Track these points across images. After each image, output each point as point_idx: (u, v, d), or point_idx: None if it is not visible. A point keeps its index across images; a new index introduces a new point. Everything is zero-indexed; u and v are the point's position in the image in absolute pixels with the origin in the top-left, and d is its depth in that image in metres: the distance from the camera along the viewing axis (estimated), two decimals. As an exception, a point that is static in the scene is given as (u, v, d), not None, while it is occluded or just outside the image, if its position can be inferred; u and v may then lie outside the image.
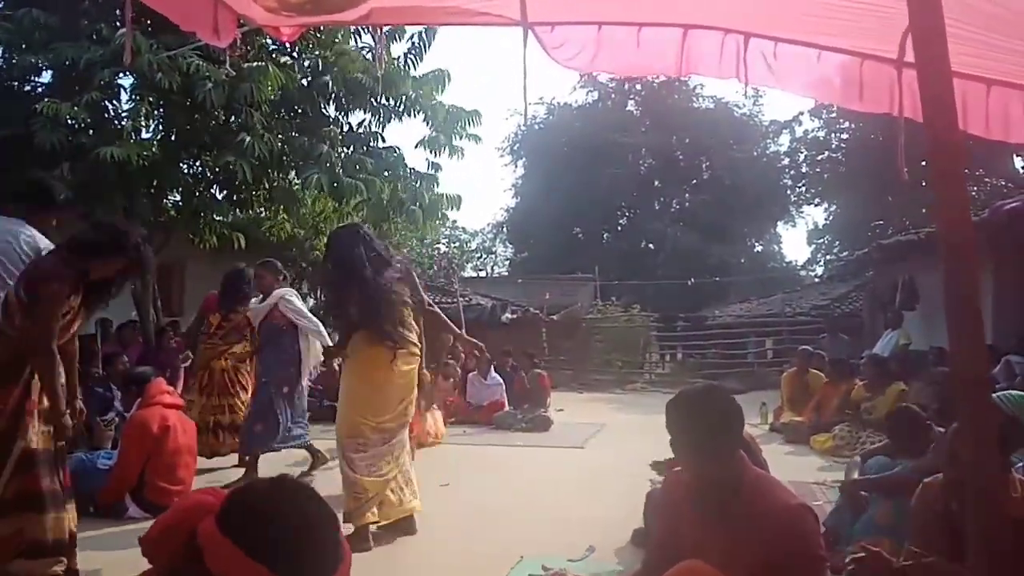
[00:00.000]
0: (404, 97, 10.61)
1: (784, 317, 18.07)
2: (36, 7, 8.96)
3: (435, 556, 4.28)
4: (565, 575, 3.58)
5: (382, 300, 4.47)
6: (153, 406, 5.08)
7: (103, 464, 5.02)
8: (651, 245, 31.06)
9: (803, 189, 30.58)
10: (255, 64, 9.16)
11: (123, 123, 9.36)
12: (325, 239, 12.99)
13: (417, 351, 4.70)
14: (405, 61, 10.44)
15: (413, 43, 10.40)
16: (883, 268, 13.80)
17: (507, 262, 37.26)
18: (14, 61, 9.41)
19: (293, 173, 10.73)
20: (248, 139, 9.08)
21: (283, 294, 6.22)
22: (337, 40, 10.09)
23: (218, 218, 10.79)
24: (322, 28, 9.52)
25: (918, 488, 2.75)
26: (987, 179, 21.34)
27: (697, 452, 2.23)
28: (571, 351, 17.33)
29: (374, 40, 8.80)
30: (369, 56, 9.91)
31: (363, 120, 11.13)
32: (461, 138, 11.19)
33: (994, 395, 3.48)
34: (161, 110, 9.64)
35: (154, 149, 9.30)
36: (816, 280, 27.66)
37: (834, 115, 25.34)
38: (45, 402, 3.38)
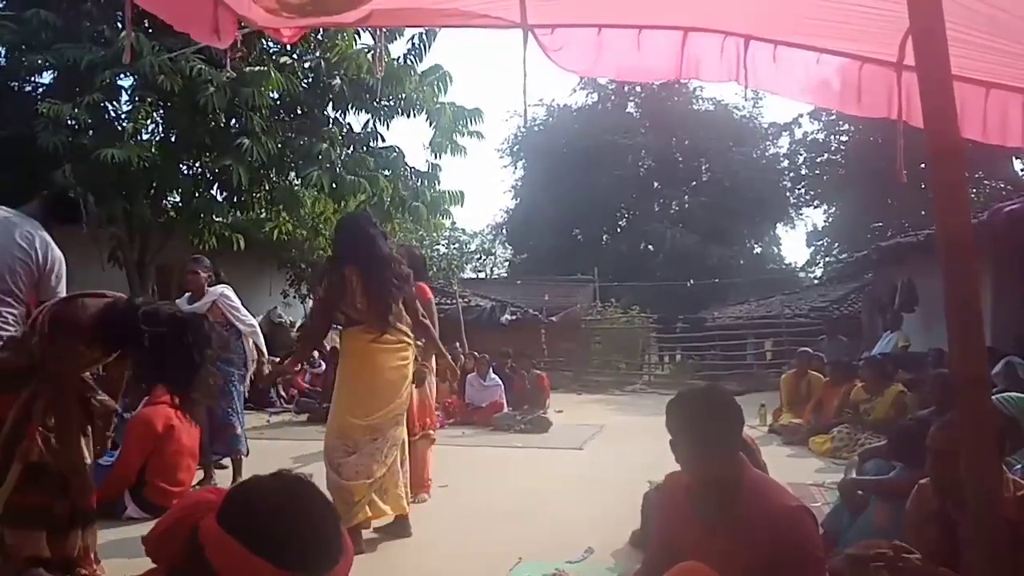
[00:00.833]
0: (405, 97, 10.64)
1: (783, 319, 18.08)
2: (39, 8, 8.99)
3: (433, 558, 4.27)
4: (564, 576, 3.58)
5: (385, 289, 4.43)
6: (159, 405, 5.03)
7: (104, 461, 5.01)
8: (650, 247, 31.06)
9: (802, 191, 30.62)
10: (256, 68, 9.19)
11: (124, 124, 9.40)
12: (325, 240, 13.12)
13: (410, 346, 4.62)
14: (405, 62, 10.47)
15: (413, 44, 10.44)
16: (882, 270, 13.80)
17: (506, 263, 37.28)
18: (16, 62, 9.44)
19: (293, 173, 10.76)
20: (247, 143, 9.09)
21: (221, 291, 5.87)
22: (338, 42, 10.10)
23: (218, 219, 10.82)
24: (323, 29, 9.54)
25: (913, 490, 2.76)
26: (987, 181, 21.37)
27: (697, 452, 2.24)
28: (570, 352, 17.33)
29: (374, 41, 8.82)
30: (370, 57, 9.92)
31: (365, 121, 11.17)
32: (463, 135, 11.22)
33: (994, 397, 3.49)
34: (162, 112, 9.67)
35: (154, 150, 9.33)
36: (815, 282, 27.68)
37: (834, 117, 25.37)
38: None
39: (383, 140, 11.48)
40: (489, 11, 2.71)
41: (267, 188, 10.85)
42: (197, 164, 10.56)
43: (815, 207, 30.60)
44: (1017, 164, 20.16)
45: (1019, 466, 3.42)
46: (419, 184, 11.41)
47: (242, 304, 6.02)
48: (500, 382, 10.62)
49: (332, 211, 12.45)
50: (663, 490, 2.60)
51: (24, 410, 3.16)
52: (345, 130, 11.12)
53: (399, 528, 4.52)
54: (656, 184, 32.76)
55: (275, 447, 7.97)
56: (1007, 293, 9.06)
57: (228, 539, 1.31)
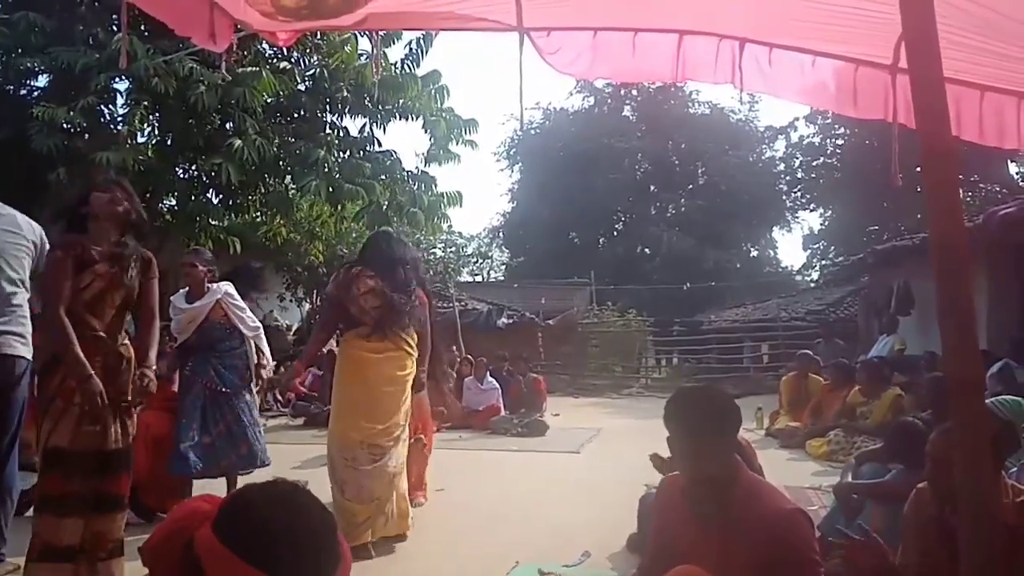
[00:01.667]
0: (403, 102, 10.65)
1: (780, 322, 18.08)
2: (33, 11, 8.98)
3: (430, 561, 4.27)
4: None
5: (400, 300, 4.43)
6: (158, 409, 4.98)
7: None
8: (647, 250, 31.08)
9: (798, 194, 30.68)
10: (248, 69, 9.19)
11: (119, 127, 9.39)
12: (321, 244, 13.11)
13: (410, 356, 4.60)
14: (403, 66, 10.47)
15: (411, 48, 10.45)
16: (878, 273, 13.83)
17: (503, 267, 37.26)
18: (11, 65, 9.44)
19: (289, 178, 10.75)
20: (238, 143, 9.08)
21: (225, 289, 5.41)
22: (341, 52, 10.11)
23: (214, 222, 10.80)
24: (320, 33, 9.55)
25: (911, 495, 2.75)
26: (982, 184, 21.42)
27: (693, 450, 2.24)
28: (567, 356, 17.33)
29: (371, 44, 8.84)
30: (367, 62, 9.94)
31: (362, 125, 11.17)
32: (458, 143, 11.23)
33: (988, 400, 3.49)
34: (157, 115, 9.65)
35: (150, 153, 9.31)
36: (811, 285, 27.67)
37: (829, 121, 25.46)
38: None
39: (379, 144, 11.49)
40: (485, 14, 2.72)
41: (263, 192, 10.84)
42: (192, 167, 10.56)
43: (811, 210, 30.70)
44: (1012, 167, 20.24)
45: (1014, 469, 3.42)
46: (416, 188, 11.41)
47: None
48: (497, 386, 10.62)
49: (328, 215, 12.45)
50: (660, 492, 2.60)
51: (48, 391, 3.22)
52: (341, 135, 11.12)
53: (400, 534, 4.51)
54: (652, 187, 32.80)
55: (271, 452, 7.93)
56: (1002, 296, 9.08)
57: (224, 551, 1.29)
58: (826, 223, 29.69)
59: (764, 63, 2.88)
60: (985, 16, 2.38)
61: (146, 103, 9.06)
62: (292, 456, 7.16)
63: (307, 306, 16.63)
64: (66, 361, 3.16)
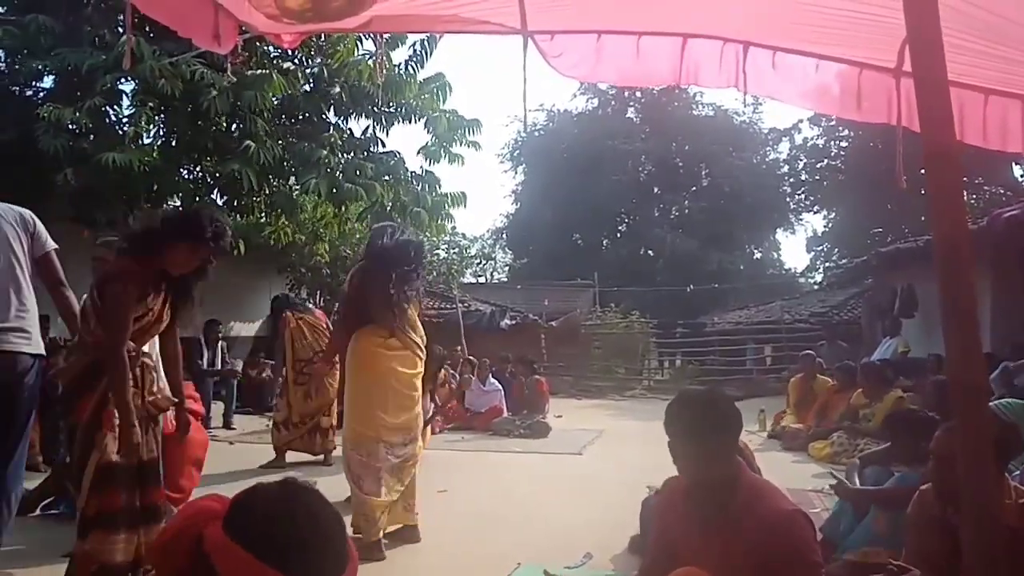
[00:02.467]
0: (405, 103, 10.66)
1: (783, 324, 18.08)
2: (40, 13, 9.00)
3: (432, 563, 4.27)
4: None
5: (401, 298, 4.44)
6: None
7: None
8: (650, 252, 31.07)
9: (802, 196, 30.67)
10: (259, 71, 9.20)
11: (125, 128, 9.40)
12: (325, 245, 13.12)
13: (421, 355, 4.63)
14: (406, 68, 10.48)
15: (415, 50, 10.46)
16: (882, 276, 13.81)
17: (507, 268, 37.27)
18: (17, 66, 9.46)
19: (293, 179, 10.76)
20: (253, 146, 9.10)
21: None
22: (339, 49, 10.13)
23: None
24: (325, 35, 9.56)
25: (914, 496, 2.76)
26: (986, 187, 21.40)
27: (695, 452, 2.24)
28: (570, 357, 17.32)
29: (375, 47, 8.85)
30: (371, 63, 9.94)
31: (366, 127, 11.18)
32: (461, 145, 11.23)
33: (992, 403, 3.49)
34: (162, 116, 9.67)
35: (155, 155, 9.33)
36: (815, 287, 27.66)
37: (833, 123, 25.45)
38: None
39: (383, 145, 11.49)
40: (489, 17, 2.73)
41: (267, 193, 10.86)
42: (198, 168, 10.57)
43: (815, 212, 30.71)
44: (1017, 170, 20.23)
45: (1018, 472, 3.42)
46: (420, 189, 11.42)
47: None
48: (500, 387, 10.62)
49: (332, 216, 12.46)
50: (662, 494, 2.61)
51: (98, 404, 3.19)
52: (345, 135, 11.13)
53: (409, 534, 4.51)
54: (656, 189, 32.79)
55: (272, 452, 7.95)
56: (1006, 299, 9.07)
57: (235, 547, 1.30)
58: (830, 225, 29.68)
59: (767, 67, 2.88)
60: (988, 20, 2.39)
61: (152, 104, 9.07)
62: (296, 455, 7.16)
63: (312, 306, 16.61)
64: (117, 404, 3.14)
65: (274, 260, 14.11)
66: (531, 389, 10.91)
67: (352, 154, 11.04)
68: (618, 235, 33.49)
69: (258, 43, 8.76)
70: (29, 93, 10.08)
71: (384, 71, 9.53)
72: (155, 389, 3.44)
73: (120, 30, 9.32)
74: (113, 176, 8.64)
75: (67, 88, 9.38)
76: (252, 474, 6.39)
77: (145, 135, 9.57)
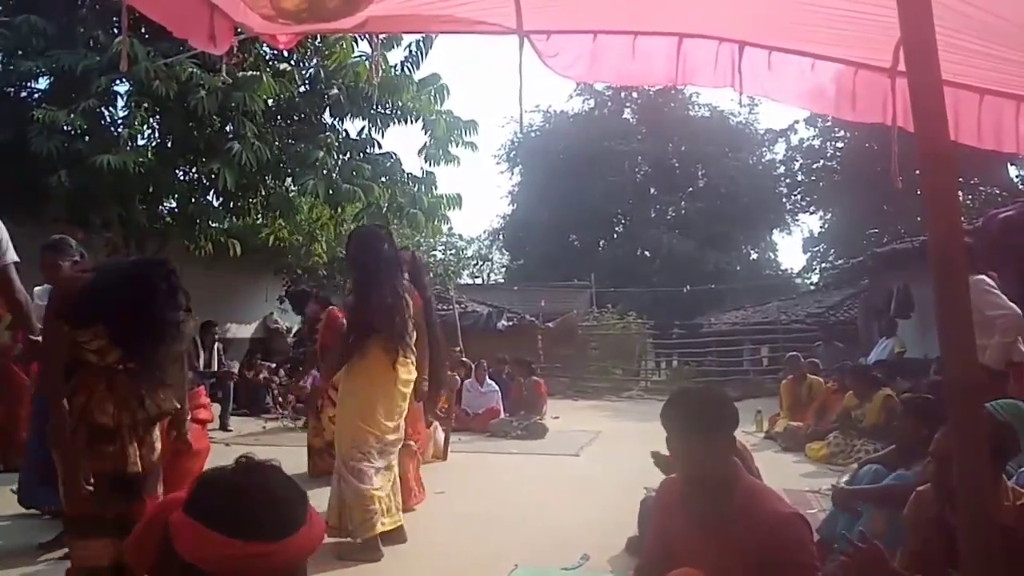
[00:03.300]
0: (402, 105, 10.66)
1: (779, 325, 18.10)
2: (34, 14, 8.98)
3: (429, 564, 4.27)
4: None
5: (396, 305, 4.45)
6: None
7: None
8: (647, 253, 31.09)
9: (798, 197, 30.69)
10: (249, 73, 9.19)
11: (119, 130, 9.39)
12: (321, 246, 13.11)
13: (413, 365, 4.64)
14: (402, 69, 10.48)
15: (411, 51, 10.46)
16: (878, 276, 13.83)
17: (503, 269, 37.27)
18: (11, 67, 9.44)
19: (289, 180, 10.76)
20: (237, 147, 9.09)
21: None
22: (336, 50, 10.12)
23: (214, 225, 10.80)
24: (321, 36, 9.55)
25: (911, 496, 2.75)
26: (982, 187, 21.43)
27: (690, 449, 2.25)
28: (567, 358, 17.33)
29: (371, 48, 8.85)
30: (367, 64, 9.94)
31: (362, 128, 11.18)
32: (458, 146, 11.23)
33: (989, 403, 3.48)
34: (157, 117, 9.66)
35: (150, 156, 9.31)
36: (811, 288, 27.69)
37: (829, 124, 25.46)
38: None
39: (379, 147, 11.49)
40: (485, 17, 2.73)
41: (263, 194, 10.85)
42: (193, 169, 10.56)
43: (811, 213, 30.72)
44: (1012, 170, 20.25)
45: (1021, 471, 3.42)
46: (416, 190, 11.42)
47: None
48: (497, 388, 10.62)
49: (328, 217, 12.45)
50: (659, 495, 2.61)
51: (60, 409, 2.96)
52: (342, 137, 11.12)
53: (396, 534, 4.51)
54: (653, 190, 32.81)
55: (270, 453, 7.94)
56: (1003, 299, 9.05)
57: (190, 522, 1.33)
58: (826, 226, 29.71)
59: (763, 67, 2.88)
60: (984, 20, 2.39)
61: (147, 106, 9.07)
62: (291, 458, 7.15)
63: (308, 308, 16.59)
64: (56, 456, 2.93)
65: (270, 261, 14.09)
66: (529, 390, 10.90)
67: (349, 155, 11.04)
68: (615, 236, 33.51)
69: (254, 44, 8.75)
70: (23, 95, 10.06)
71: (380, 72, 9.54)
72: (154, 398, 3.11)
73: (114, 31, 9.31)
74: (108, 178, 8.63)
75: (61, 89, 9.37)
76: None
77: (140, 137, 9.56)
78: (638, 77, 3.15)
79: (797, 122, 29.16)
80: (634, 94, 32.20)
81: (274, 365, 12.81)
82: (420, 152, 11.22)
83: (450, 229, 21.85)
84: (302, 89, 10.68)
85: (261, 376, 11.86)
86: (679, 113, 32.43)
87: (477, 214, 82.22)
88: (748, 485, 2.30)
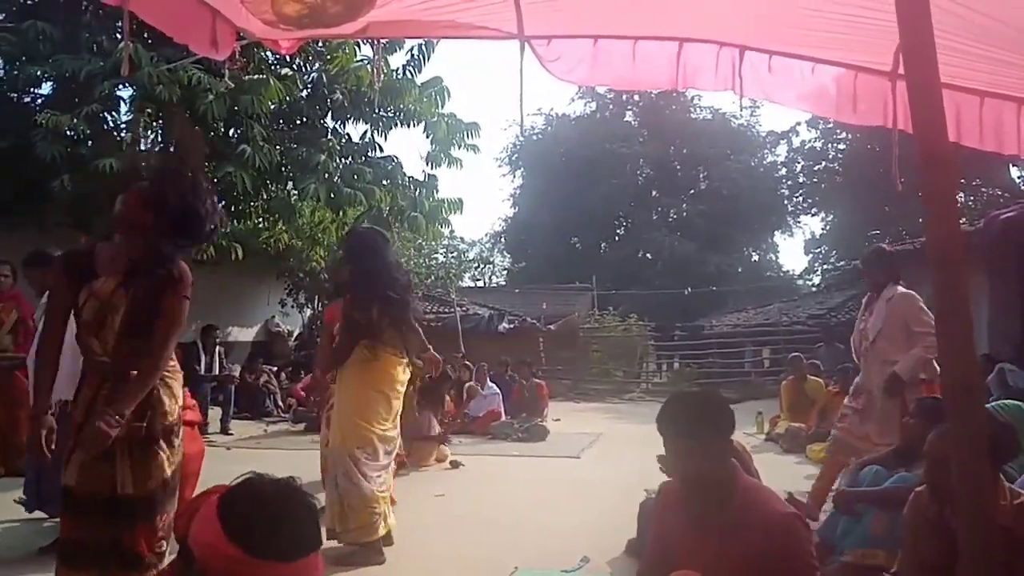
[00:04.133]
0: (404, 108, 10.68)
1: (781, 326, 18.09)
2: (38, 19, 9.01)
3: (429, 566, 4.27)
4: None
5: (401, 305, 4.45)
6: None
7: None
8: (648, 255, 31.10)
9: (800, 199, 30.70)
10: (255, 76, 9.22)
11: (123, 134, 9.41)
12: (323, 250, 13.13)
13: (407, 362, 4.64)
14: (404, 72, 10.51)
15: (412, 55, 10.49)
16: (880, 278, 13.79)
17: (505, 272, 37.26)
18: (16, 72, 9.46)
19: (291, 184, 10.78)
20: (248, 150, 9.11)
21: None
22: (338, 55, 10.14)
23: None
24: (323, 41, 9.58)
25: (910, 497, 2.76)
26: (984, 188, 21.43)
27: (687, 451, 2.25)
28: (568, 361, 17.34)
29: (373, 52, 8.87)
30: (369, 68, 9.97)
31: (364, 132, 11.21)
32: (460, 148, 11.25)
33: (989, 404, 3.49)
34: (160, 122, 9.68)
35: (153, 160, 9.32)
36: (813, 289, 27.67)
37: (831, 126, 25.46)
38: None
39: (381, 150, 11.50)
40: (486, 23, 2.74)
41: (265, 198, 10.87)
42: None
43: (813, 215, 30.75)
44: (1014, 171, 20.25)
45: (1021, 479, 3.42)
46: (417, 194, 11.44)
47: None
48: (498, 391, 10.62)
49: (330, 221, 12.47)
50: (658, 498, 2.61)
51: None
52: (343, 140, 11.15)
53: (387, 537, 4.51)
54: (654, 192, 32.83)
55: (272, 457, 7.96)
56: (1004, 300, 9.07)
57: (215, 520, 1.36)
58: (828, 227, 29.72)
59: (764, 70, 2.89)
60: (984, 23, 2.40)
61: (150, 110, 9.09)
62: (292, 461, 7.16)
63: (308, 312, 16.64)
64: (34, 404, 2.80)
65: (272, 265, 14.11)
66: (531, 392, 10.91)
67: (350, 159, 11.07)
68: (616, 238, 33.53)
69: (257, 49, 8.77)
70: (27, 99, 10.09)
71: (382, 76, 9.56)
72: (148, 413, 2.80)
73: (118, 36, 9.33)
74: (111, 182, 8.65)
75: (65, 94, 9.40)
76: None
77: (143, 141, 9.58)
78: (639, 81, 3.16)
79: (799, 124, 29.22)
80: (635, 97, 32.23)
81: (275, 368, 12.82)
82: (424, 156, 11.25)
83: (451, 232, 21.88)
84: (304, 93, 10.70)
85: (262, 380, 11.88)
86: (680, 116, 32.46)
87: (479, 217, 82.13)
88: (747, 486, 2.31)
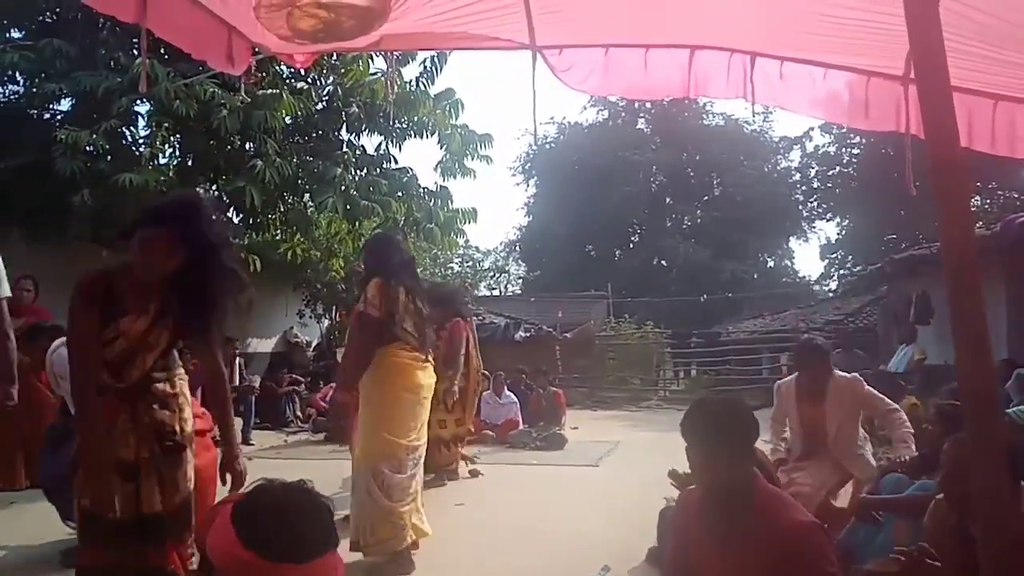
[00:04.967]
0: (418, 120, 10.75)
1: (798, 333, 17.96)
2: (57, 37, 9.15)
3: (451, 575, 4.27)
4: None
5: (421, 308, 4.46)
6: None
7: None
8: (663, 262, 31.04)
9: (815, 204, 30.56)
10: (269, 91, 9.31)
11: (141, 149, 9.53)
12: (340, 261, 13.21)
13: (431, 366, 4.63)
14: (418, 84, 10.58)
15: (425, 67, 10.56)
16: (897, 283, 13.72)
17: (520, 280, 37.33)
18: (35, 90, 9.60)
19: (308, 196, 10.86)
20: (260, 164, 9.20)
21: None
22: (353, 68, 10.23)
23: (234, 241, 10.93)
24: (337, 55, 9.66)
25: (930, 505, 2.74)
26: (1000, 191, 21.25)
27: (710, 460, 2.24)
28: (585, 369, 17.30)
29: (386, 65, 8.93)
30: (383, 80, 10.04)
31: (379, 144, 11.29)
32: (473, 159, 11.30)
33: (1008, 410, 3.46)
34: (178, 136, 9.79)
35: (171, 174, 9.43)
36: (830, 295, 27.50)
37: (845, 130, 25.33)
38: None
39: (396, 162, 11.58)
40: (499, 33, 2.76)
41: (282, 210, 10.96)
42: (213, 187, 10.70)
43: (828, 220, 30.56)
44: (1031, 174, 20.05)
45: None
46: (432, 204, 11.49)
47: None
48: (515, 399, 10.61)
49: (346, 232, 12.55)
50: (678, 506, 2.61)
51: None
52: (359, 153, 11.23)
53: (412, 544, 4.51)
54: (668, 199, 32.80)
55: (292, 467, 7.99)
56: (1022, 304, 8.98)
57: (229, 525, 1.39)
58: (843, 232, 29.54)
59: (775, 77, 2.90)
60: (996, 26, 2.39)
61: (167, 125, 9.20)
62: (312, 471, 7.17)
63: (326, 322, 16.71)
64: (80, 452, 2.68)
65: (289, 276, 14.20)
66: (548, 400, 10.90)
67: (365, 171, 11.15)
68: (631, 246, 33.50)
69: (272, 63, 8.86)
70: (47, 116, 10.23)
71: (396, 88, 9.62)
72: (171, 427, 2.78)
73: (134, 52, 9.46)
74: (129, 196, 8.75)
75: (84, 110, 9.52)
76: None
77: (161, 155, 9.70)
78: (651, 90, 3.17)
79: (812, 129, 29.14)
80: (648, 104, 32.22)
81: (295, 378, 12.88)
82: (437, 167, 11.31)
83: (466, 242, 21.96)
84: (319, 107, 10.80)
85: (282, 390, 11.94)
86: (693, 122, 32.42)
87: (493, 226, 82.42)
88: (767, 496, 2.29)
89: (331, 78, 10.81)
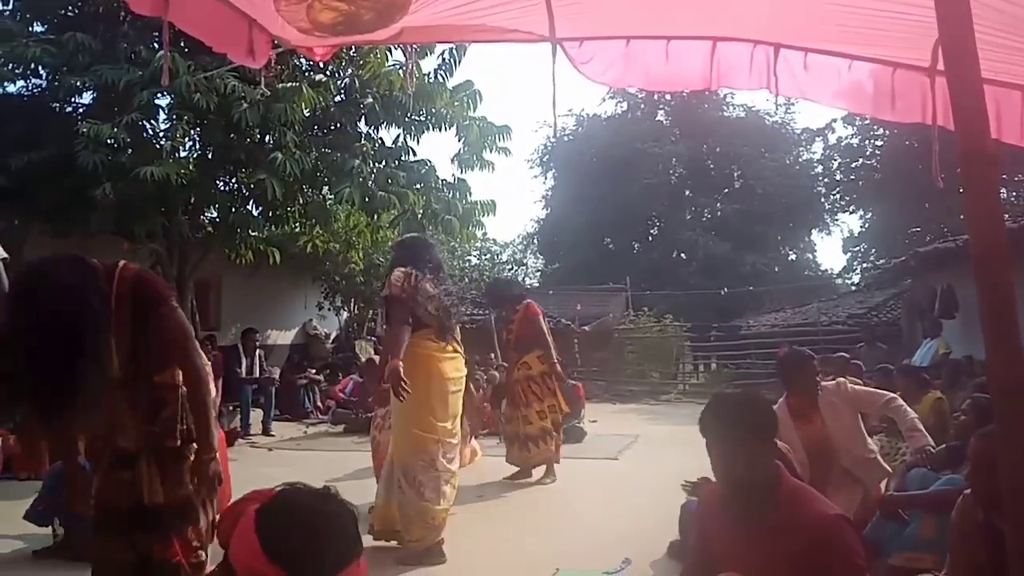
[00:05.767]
0: (435, 112, 10.74)
1: (820, 326, 17.81)
2: (78, 31, 9.21)
3: (470, 569, 4.28)
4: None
5: (451, 301, 4.50)
6: None
7: None
8: (683, 255, 30.86)
9: (837, 197, 30.23)
10: (289, 84, 9.34)
11: (162, 142, 9.60)
12: (358, 253, 13.26)
13: (463, 359, 4.65)
14: (436, 76, 10.56)
15: (444, 59, 10.54)
16: (921, 276, 13.58)
17: (538, 273, 37.24)
18: (57, 83, 9.69)
19: (326, 188, 10.90)
20: (280, 157, 9.24)
21: None
22: (370, 60, 10.23)
23: (254, 233, 11.01)
24: (355, 47, 9.67)
25: (958, 500, 2.71)
26: (1027, 184, 20.95)
27: (731, 455, 2.23)
28: (604, 362, 17.27)
29: (405, 57, 8.92)
30: (401, 73, 10.04)
31: (396, 136, 11.29)
32: (492, 151, 11.28)
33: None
34: (198, 129, 9.85)
35: (192, 167, 9.49)
36: (853, 288, 27.23)
37: (868, 122, 25.07)
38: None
39: (414, 154, 11.58)
40: (518, 26, 2.74)
41: (301, 203, 11.01)
42: (233, 180, 10.76)
43: (851, 213, 30.22)
44: (1059, 165, 19.74)
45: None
46: (451, 196, 11.49)
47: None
48: (534, 392, 10.59)
49: (365, 224, 12.60)
50: (700, 500, 2.60)
51: None
52: (377, 145, 11.24)
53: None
54: (688, 192, 32.57)
55: (312, 458, 8.05)
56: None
57: (252, 533, 1.39)
58: (866, 225, 29.23)
59: (799, 68, 2.86)
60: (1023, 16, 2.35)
61: (187, 118, 9.25)
62: (332, 463, 7.23)
63: (345, 314, 16.82)
64: None
65: (309, 269, 14.31)
66: (568, 394, 10.87)
67: (384, 163, 11.15)
68: (650, 238, 33.32)
69: (291, 56, 8.89)
70: (68, 110, 10.32)
71: (415, 80, 9.62)
72: (167, 418, 2.73)
73: (155, 46, 9.51)
74: (151, 189, 8.82)
75: (105, 104, 9.60)
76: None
77: (181, 148, 9.76)
78: (672, 82, 3.14)
79: (835, 121, 28.76)
80: (667, 96, 31.90)
81: (314, 371, 12.97)
82: (454, 159, 11.30)
83: (484, 234, 21.91)
84: (337, 99, 10.81)
85: (301, 382, 12.03)
86: (713, 114, 32.16)
87: (511, 219, 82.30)
88: (792, 489, 2.28)
89: (349, 70, 10.82)
